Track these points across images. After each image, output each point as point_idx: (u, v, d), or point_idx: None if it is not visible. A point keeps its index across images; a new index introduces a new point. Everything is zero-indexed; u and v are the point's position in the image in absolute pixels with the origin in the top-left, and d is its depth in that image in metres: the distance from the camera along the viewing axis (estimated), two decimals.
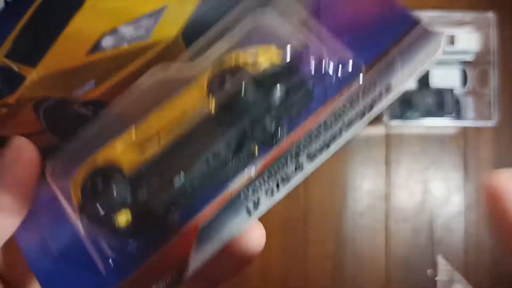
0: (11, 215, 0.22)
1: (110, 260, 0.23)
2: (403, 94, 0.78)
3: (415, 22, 0.23)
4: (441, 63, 0.79)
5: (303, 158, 0.23)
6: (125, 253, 0.23)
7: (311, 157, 0.23)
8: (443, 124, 0.79)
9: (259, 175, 0.23)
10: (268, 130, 0.23)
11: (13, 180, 0.22)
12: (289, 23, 0.24)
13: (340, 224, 0.82)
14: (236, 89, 0.22)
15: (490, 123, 0.76)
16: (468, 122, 0.79)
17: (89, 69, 0.27)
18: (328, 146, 0.23)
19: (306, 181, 0.82)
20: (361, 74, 0.23)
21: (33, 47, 0.27)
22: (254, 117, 0.22)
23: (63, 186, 0.23)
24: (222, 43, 0.25)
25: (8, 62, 0.27)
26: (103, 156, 0.23)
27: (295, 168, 0.23)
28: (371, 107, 0.23)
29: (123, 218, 0.22)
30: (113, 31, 0.27)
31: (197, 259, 0.22)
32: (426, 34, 0.23)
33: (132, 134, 0.23)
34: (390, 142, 0.83)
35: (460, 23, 0.77)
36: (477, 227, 0.83)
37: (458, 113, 0.79)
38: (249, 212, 0.23)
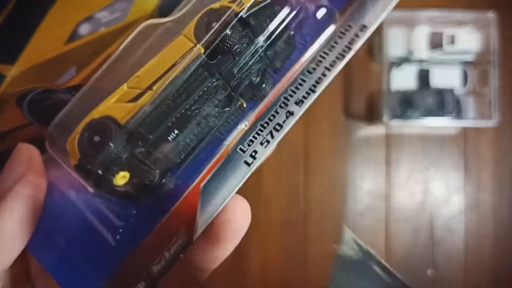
0: (31, 218, 0.22)
1: (119, 230, 0.23)
2: (403, 94, 0.78)
3: None
4: (441, 63, 0.79)
5: (292, 106, 0.24)
6: (132, 221, 0.23)
7: (299, 102, 0.24)
8: (444, 124, 0.78)
9: (252, 128, 0.24)
10: (254, 82, 0.23)
11: (26, 184, 0.22)
12: None
13: (340, 224, 0.82)
14: (222, 27, 0.22)
15: (490, 123, 0.76)
16: (468, 122, 0.79)
17: (69, 57, 0.27)
18: (314, 90, 0.24)
19: (306, 181, 0.81)
20: (336, 18, 0.24)
21: (10, 45, 0.27)
22: (241, 64, 0.23)
23: (62, 154, 0.23)
24: None
25: None
26: (96, 111, 0.22)
27: (286, 116, 0.24)
28: (349, 48, 0.24)
29: (120, 175, 0.22)
30: (89, 18, 0.27)
31: (204, 218, 0.23)
32: None
33: (124, 88, 0.23)
34: (390, 142, 0.83)
35: (461, 23, 0.77)
36: (477, 227, 0.83)
37: (458, 113, 0.79)
38: (248, 164, 0.23)
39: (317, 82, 0.24)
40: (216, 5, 0.23)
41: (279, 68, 0.24)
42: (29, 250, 0.22)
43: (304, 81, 0.24)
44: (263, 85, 0.24)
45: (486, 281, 0.82)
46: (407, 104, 0.77)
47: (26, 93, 0.27)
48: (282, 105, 0.24)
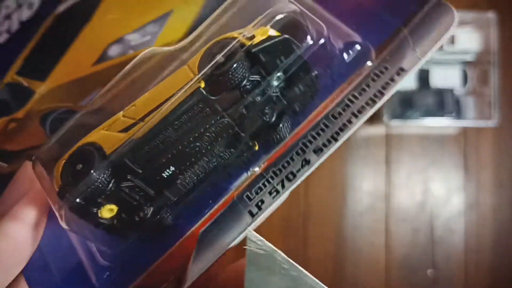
0: (39, 226, 0.22)
1: (105, 272, 0.21)
2: (403, 94, 0.78)
3: None
4: (441, 63, 0.79)
5: (310, 154, 0.21)
6: (118, 262, 0.21)
7: (318, 151, 0.21)
8: (443, 124, 0.78)
9: (262, 174, 0.21)
10: (269, 123, 0.21)
11: (34, 196, 0.22)
12: (290, 5, 0.21)
13: (340, 224, 0.82)
14: (226, 60, 0.20)
15: (490, 123, 0.75)
16: (468, 122, 0.79)
17: (95, 78, 0.27)
18: (336, 139, 0.21)
19: (306, 181, 0.81)
20: (370, 59, 0.21)
21: (43, 62, 0.28)
22: (250, 102, 0.20)
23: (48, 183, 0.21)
24: (216, 26, 0.23)
25: (18, 78, 0.28)
26: (88, 137, 0.21)
27: (302, 165, 0.21)
28: (381, 93, 0.21)
29: (106, 207, 0.20)
30: (119, 40, 0.27)
31: (196, 268, 0.20)
32: (438, 8, 0.21)
33: (119, 117, 0.21)
34: (390, 142, 0.83)
35: (460, 23, 0.77)
36: (477, 227, 0.83)
37: (458, 113, 0.79)
38: (252, 214, 0.21)
39: (341, 130, 0.21)
40: (225, 36, 0.21)
41: (300, 110, 0.22)
42: (24, 273, 0.22)
43: (327, 126, 0.21)
44: (280, 127, 0.21)
45: (486, 281, 0.82)
46: (407, 104, 0.77)
47: (50, 112, 0.27)
48: (299, 151, 0.21)
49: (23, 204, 0.21)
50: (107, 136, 0.21)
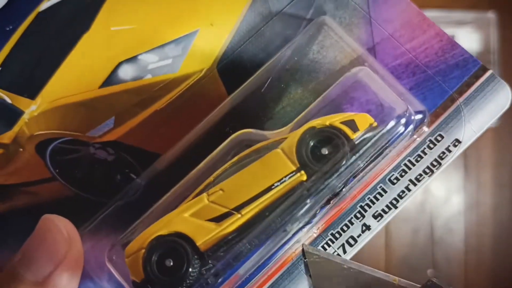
0: None
1: None
2: None
3: (483, 69, 0.21)
4: None
5: (369, 219, 0.21)
6: None
7: (378, 216, 0.21)
8: None
9: (321, 236, 0.21)
10: (338, 191, 0.21)
11: (72, 263, 0.19)
12: (383, 83, 0.21)
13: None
14: (336, 157, 0.20)
15: (490, 123, 0.75)
16: None
17: (105, 104, 0.22)
18: (395, 206, 0.21)
19: None
20: (426, 124, 0.21)
21: (28, 73, 0.22)
22: (336, 181, 0.20)
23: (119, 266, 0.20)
24: (311, 107, 0.22)
25: None
26: (167, 223, 0.20)
27: (362, 230, 0.21)
28: (439, 163, 0.21)
29: None
30: (132, 59, 0.22)
31: None
32: (494, 83, 0.21)
33: (204, 201, 0.20)
34: None
35: (460, 23, 0.77)
36: (477, 227, 0.83)
37: None
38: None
39: (400, 197, 0.21)
40: (323, 123, 0.20)
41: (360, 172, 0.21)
42: None
43: (385, 191, 0.21)
44: (342, 189, 0.21)
45: (486, 281, 0.82)
46: None
47: (50, 140, 0.22)
48: (358, 215, 0.21)
49: (61, 271, 0.19)
50: (196, 225, 0.19)
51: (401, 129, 0.21)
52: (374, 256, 0.82)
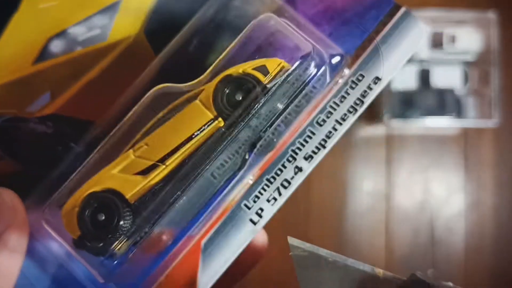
0: (19, 254, 0.22)
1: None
2: (404, 94, 0.78)
3: (397, 7, 0.22)
4: (442, 62, 0.79)
5: (301, 161, 0.22)
6: (123, 279, 0.21)
7: (308, 158, 0.22)
8: (444, 124, 0.78)
9: (257, 182, 0.22)
10: (268, 139, 0.22)
11: (20, 225, 0.21)
12: (292, 29, 0.23)
13: (341, 224, 0.82)
14: (249, 101, 0.21)
15: (491, 123, 0.75)
16: (469, 122, 0.78)
17: (39, 79, 0.23)
18: (324, 146, 0.22)
19: (306, 181, 0.81)
20: (346, 67, 0.22)
21: None
22: (259, 127, 0.22)
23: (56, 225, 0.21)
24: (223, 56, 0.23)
25: None
26: (96, 181, 0.21)
27: (295, 172, 0.22)
28: (361, 101, 0.22)
29: (123, 247, 0.21)
30: (62, 34, 0.23)
31: (208, 276, 0.21)
32: (408, 20, 0.22)
33: (130, 156, 0.21)
34: (390, 142, 0.83)
35: (461, 23, 0.77)
36: (477, 227, 0.83)
37: (459, 113, 0.79)
38: (254, 222, 0.22)
39: (328, 137, 0.22)
40: (237, 71, 0.22)
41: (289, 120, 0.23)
42: None
43: (313, 133, 0.22)
44: (272, 137, 0.22)
45: (486, 281, 0.82)
46: (407, 104, 0.77)
47: None
48: (290, 159, 0.22)
49: (9, 234, 0.20)
50: (124, 179, 0.21)
51: (312, 69, 0.22)
52: (374, 256, 0.82)
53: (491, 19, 0.76)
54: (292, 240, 0.20)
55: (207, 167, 0.21)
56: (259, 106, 0.21)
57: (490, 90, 0.76)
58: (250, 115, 0.21)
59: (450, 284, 0.20)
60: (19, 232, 0.21)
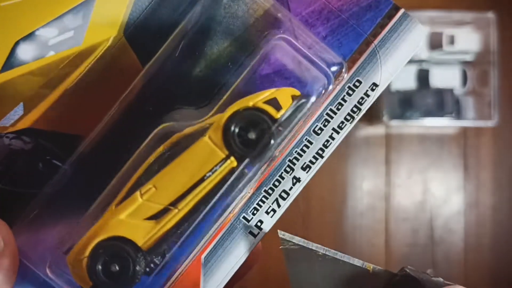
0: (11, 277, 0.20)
1: None
2: (403, 94, 0.78)
3: (395, 8, 0.21)
4: (441, 63, 0.79)
5: (299, 171, 0.21)
6: None
7: (306, 168, 0.22)
8: (443, 124, 0.78)
9: (255, 194, 0.21)
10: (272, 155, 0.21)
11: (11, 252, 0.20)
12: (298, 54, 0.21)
13: (340, 224, 0.82)
14: (265, 140, 0.20)
15: (490, 123, 0.76)
16: (468, 122, 0.79)
17: (9, 90, 0.20)
18: (322, 155, 0.22)
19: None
20: (344, 74, 0.22)
21: None
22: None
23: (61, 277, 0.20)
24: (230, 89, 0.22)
25: None
26: (104, 227, 0.20)
27: (293, 183, 0.22)
28: (358, 109, 0.22)
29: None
30: (29, 36, 0.20)
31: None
32: (407, 22, 0.21)
33: (138, 200, 0.20)
34: (390, 142, 0.83)
35: (460, 23, 0.77)
36: (477, 227, 0.83)
37: (458, 113, 0.79)
38: (253, 235, 0.21)
39: (325, 146, 0.21)
40: (246, 104, 0.20)
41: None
42: None
43: (310, 143, 0.21)
44: (271, 148, 0.21)
45: (485, 280, 0.82)
46: (407, 104, 0.77)
47: None
48: (288, 169, 0.21)
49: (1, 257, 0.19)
50: (134, 226, 0.20)
51: (321, 96, 0.21)
52: (374, 256, 0.82)
53: (490, 20, 0.76)
54: (282, 234, 0.20)
55: (227, 209, 0.21)
56: (274, 144, 0.20)
57: (489, 90, 0.76)
58: (265, 154, 0.20)
59: (440, 279, 0.20)
60: (7, 270, 0.19)
